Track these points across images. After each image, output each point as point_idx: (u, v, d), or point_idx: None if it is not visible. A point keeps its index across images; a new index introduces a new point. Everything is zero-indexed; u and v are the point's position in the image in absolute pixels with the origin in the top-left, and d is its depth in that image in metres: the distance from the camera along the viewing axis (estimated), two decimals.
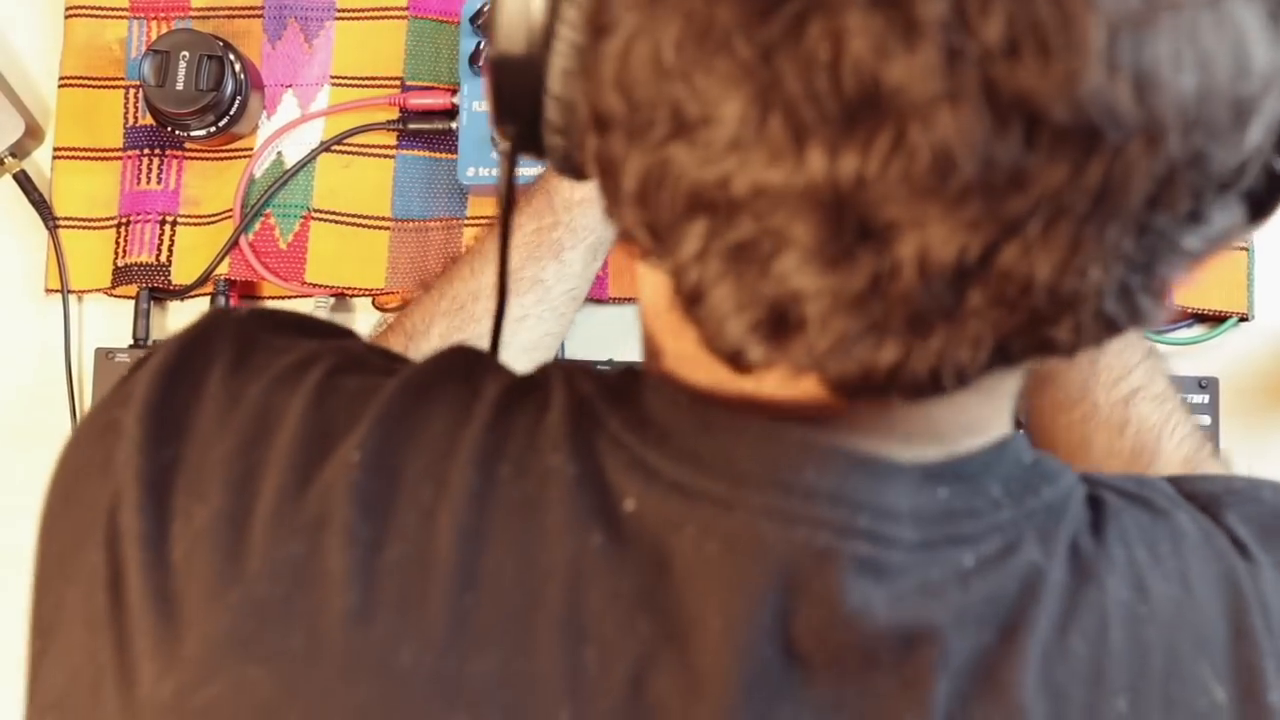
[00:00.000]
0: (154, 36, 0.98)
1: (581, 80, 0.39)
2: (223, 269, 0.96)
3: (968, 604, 0.43)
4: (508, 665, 0.42)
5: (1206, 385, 0.94)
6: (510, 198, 0.51)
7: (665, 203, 0.38)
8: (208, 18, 0.99)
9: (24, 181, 0.97)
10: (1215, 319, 0.97)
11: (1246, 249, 0.97)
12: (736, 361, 0.41)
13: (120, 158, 0.98)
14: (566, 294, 0.82)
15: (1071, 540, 0.45)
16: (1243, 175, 0.38)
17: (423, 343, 0.78)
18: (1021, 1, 0.33)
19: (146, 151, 0.98)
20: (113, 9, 0.99)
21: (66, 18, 0.99)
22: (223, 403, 0.48)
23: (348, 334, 0.58)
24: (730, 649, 0.41)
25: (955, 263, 0.36)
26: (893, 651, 0.42)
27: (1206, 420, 0.93)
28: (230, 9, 0.99)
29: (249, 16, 0.99)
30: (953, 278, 0.36)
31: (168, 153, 0.98)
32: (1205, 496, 0.51)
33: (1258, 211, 0.41)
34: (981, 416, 0.45)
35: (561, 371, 0.48)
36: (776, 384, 0.43)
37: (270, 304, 0.98)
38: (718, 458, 0.43)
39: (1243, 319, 0.97)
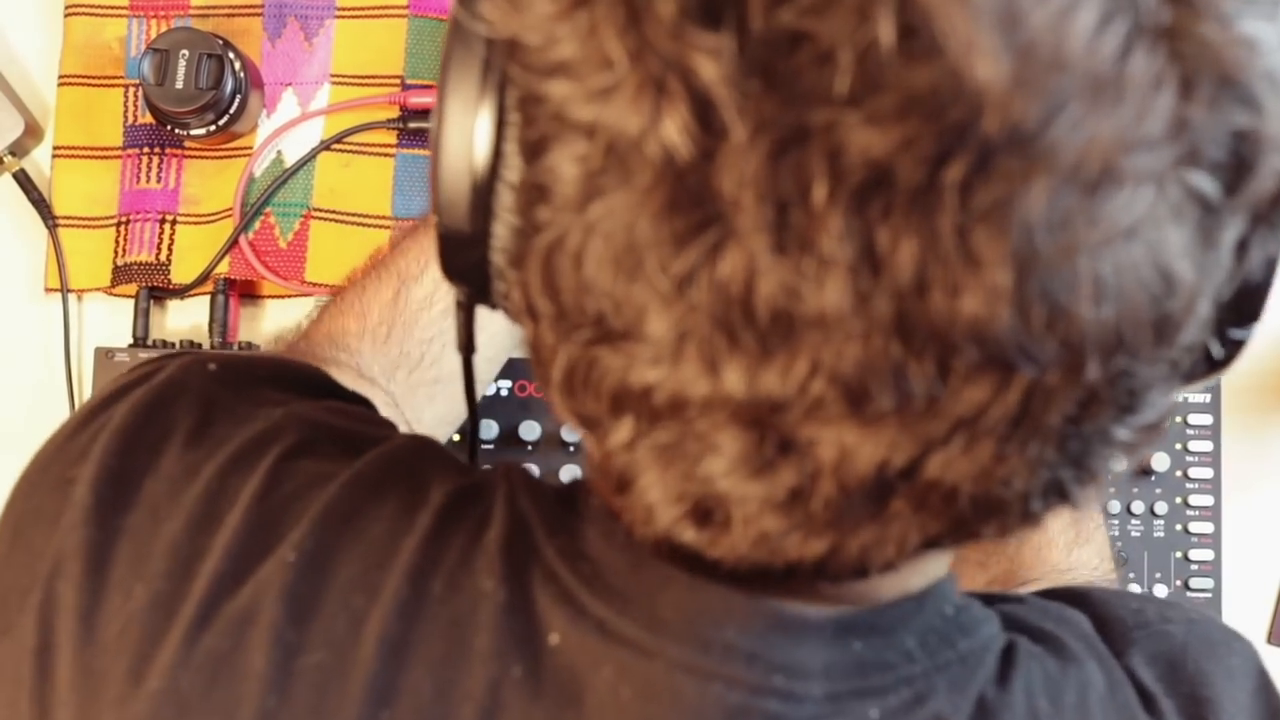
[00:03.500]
0: (153, 35, 0.98)
1: (514, 269, 0.39)
2: (222, 268, 0.96)
3: None
4: None
5: (1208, 385, 0.94)
6: (469, 345, 0.51)
7: (591, 397, 0.38)
8: (207, 16, 0.98)
9: (23, 180, 0.97)
10: None
11: None
12: (665, 542, 0.42)
13: (120, 156, 0.98)
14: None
15: (979, 693, 0.45)
16: (1174, 370, 0.37)
17: (415, 288, 0.77)
18: (928, 242, 0.32)
19: (146, 150, 0.98)
20: (112, 7, 0.99)
21: (66, 16, 0.99)
22: (177, 477, 0.48)
23: (321, 385, 0.57)
24: None
25: (875, 475, 0.36)
26: None
27: (1208, 420, 0.93)
28: (230, 7, 0.99)
29: (248, 15, 0.98)
30: (874, 488, 0.36)
31: (167, 151, 0.98)
32: (1117, 626, 0.51)
33: (1188, 380, 0.41)
34: (906, 572, 0.44)
35: (506, 484, 0.48)
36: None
37: (272, 302, 0.98)
38: (643, 602, 0.43)
39: None
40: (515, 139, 0.37)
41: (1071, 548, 0.74)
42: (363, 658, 0.44)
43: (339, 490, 0.47)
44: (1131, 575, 0.92)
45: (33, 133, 0.98)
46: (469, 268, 0.40)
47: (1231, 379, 0.95)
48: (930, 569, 0.46)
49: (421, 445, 0.52)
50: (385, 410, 0.64)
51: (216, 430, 0.50)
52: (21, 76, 0.99)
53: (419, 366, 0.76)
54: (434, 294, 0.77)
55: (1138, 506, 0.93)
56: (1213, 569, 0.93)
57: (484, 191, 0.38)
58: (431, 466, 0.50)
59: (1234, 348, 0.41)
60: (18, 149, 0.96)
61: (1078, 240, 0.32)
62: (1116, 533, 0.93)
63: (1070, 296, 0.32)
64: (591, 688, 0.43)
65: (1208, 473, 0.93)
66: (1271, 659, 0.96)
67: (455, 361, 0.74)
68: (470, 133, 0.38)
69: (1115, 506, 0.93)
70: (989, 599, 0.49)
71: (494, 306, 0.43)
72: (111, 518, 0.47)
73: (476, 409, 0.55)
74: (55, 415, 0.95)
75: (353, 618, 0.44)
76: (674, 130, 0.32)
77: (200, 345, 0.95)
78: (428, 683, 0.43)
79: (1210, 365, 0.41)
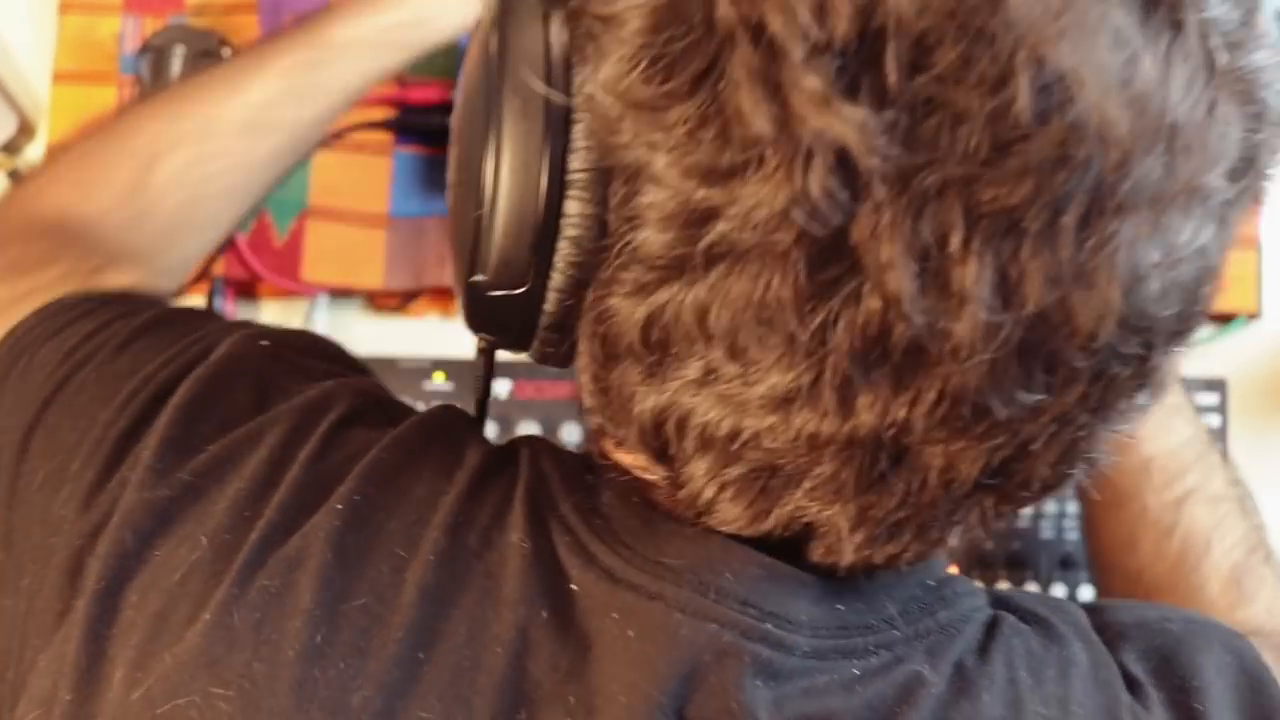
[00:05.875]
0: (148, 32, 0.96)
1: (588, 315, 0.42)
2: (218, 267, 0.95)
3: (849, 708, 0.45)
4: (448, 717, 0.45)
5: (1215, 386, 0.93)
6: (486, 393, 0.55)
7: (678, 438, 0.42)
8: (203, 12, 0.98)
9: (17, 179, 0.96)
10: (1223, 318, 0.96)
11: (1256, 247, 0.96)
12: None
13: None
14: (310, 143, 0.78)
15: (958, 659, 0.48)
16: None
17: (158, 169, 0.71)
18: (1051, 273, 0.36)
19: None
20: (107, 4, 0.98)
21: (60, 13, 0.98)
22: (240, 445, 0.51)
23: (359, 369, 0.60)
24: None
25: (976, 478, 0.40)
26: None
27: (1216, 421, 0.92)
28: (225, 3, 0.98)
29: (244, 10, 0.97)
30: (970, 488, 0.41)
31: None
32: (1114, 628, 0.53)
33: None
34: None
35: (530, 449, 0.51)
36: None
37: (268, 300, 0.98)
38: (650, 552, 0.46)
39: (1252, 318, 0.96)
40: (615, 207, 0.39)
41: (1235, 608, 0.72)
42: (404, 604, 0.46)
43: (382, 452, 0.50)
44: None
45: (26, 130, 0.97)
46: (513, 322, 0.44)
47: (1240, 379, 0.94)
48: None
49: (456, 414, 0.55)
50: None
51: (274, 402, 0.53)
52: (15, 74, 0.98)
53: (157, 258, 0.72)
54: (181, 175, 0.72)
55: None
56: None
57: (548, 250, 0.41)
58: (465, 433, 0.53)
59: None
60: (11, 147, 0.96)
61: (1168, 258, 0.37)
62: None
63: (1156, 304, 0.38)
64: (602, 631, 0.46)
65: None
66: None
67: (199, 214, 0.74)
68: (539, 194, 0.40)
69: None
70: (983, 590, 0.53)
71: (524, 351, 0.46)
72: (177, 479, 0.50)
73: (486, 411, 0.58)
74: None
75: (395, 567, 0.47)
76: (819, 194, 0.35)
77: None
78: (462, 627, 0.46)
79: None
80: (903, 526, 0.42)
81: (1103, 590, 0.79)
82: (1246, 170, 0.39)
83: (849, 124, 0.34)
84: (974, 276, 0.35)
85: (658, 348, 0.40)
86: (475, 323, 0.46)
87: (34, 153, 0.98)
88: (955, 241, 0.35)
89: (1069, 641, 0.50)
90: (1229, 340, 0.96)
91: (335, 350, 0.61)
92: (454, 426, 0.54)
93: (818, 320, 0.37)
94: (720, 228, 0.36)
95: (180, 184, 0.72)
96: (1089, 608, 0.55)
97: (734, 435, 0.40)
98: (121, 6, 0.98)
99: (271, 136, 0.74)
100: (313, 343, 0.60)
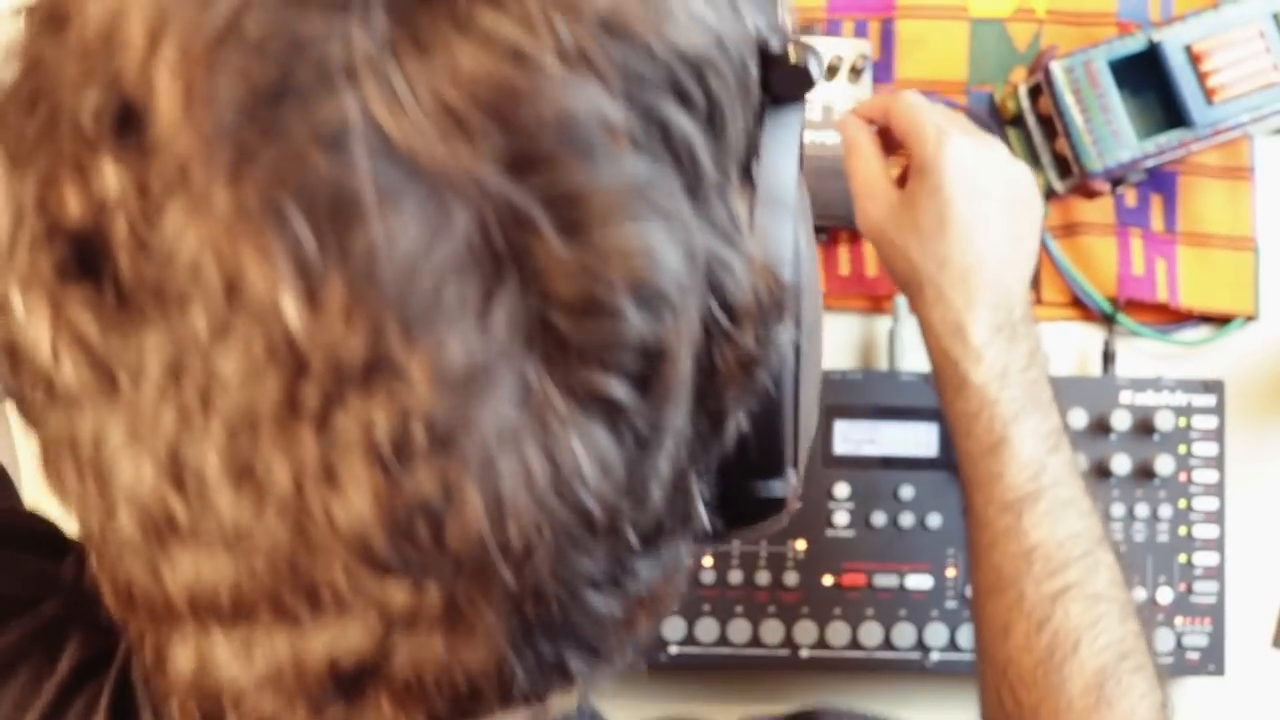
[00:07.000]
0: None
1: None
2: None
3: None
4: None
5: (1212, 388, 0.93)
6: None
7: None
8: None
9: None
10: (1221, 320, 0.97)
11: (1253, 248, 0.96)
12: None
13: None
14: None
15: None
16: (663, 540, 0.38)
17: None
18: (298, 467, 0.33)
19: None
20: None
21: None
22: None
23: (19, 535, 0.57)
24: None
25: (331, 669, 0.37)
26: None
27: (1213, 423, 0.93)
28: None
29: None
30: (340, 680, 0.37)
31: None
32: None
33: (717, 537, 0.41)
34: None
35: (125, 651, 0.48)
36: None
37: None
38: None
39: (1249, 319, 0.96)
40: None
41: (1092, 712, 0.71)
42: None
43: None
44: (1135, 580, 0.92)
45: None
46: None
47: (1237, 381, 0.94)
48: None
49: (69, 612, 0.51)
50: None
51: None
52: None
53: None
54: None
55: (1141, 510, 0.92)
56: (1217, 573, 0.92)
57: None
58: (71, 633, 0.50)
59: (773, 505, 0.43)
60: None
61: (445, 463, 0.33)
62: (1120, 536, 0.92)
63: (454, 513, 0.33)
64: None
65: (1212, 476, 0.92)
66: (1277, 664, 0.95)
67: None
68: None
69: (1118, 510, 0.92)
70: None
71: None
72: None
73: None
74: None
75: None
76: (71, 371, 0.34)
77: None
78: None
79: (747, 518, 0.43)
80: (303, 707, 0.39)
81: (980, 680, 0.76)
82: (646, 374, 0.35)
83: (78, 304, 0.33)
84: (219, 465, 0.33)
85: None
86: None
87: None
88: (198, 423, 0.33)
89: None
90: (1226, 342, 0.96)
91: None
92: (64, 625, 0.51)
93: (113, 480, 0.35)
94: (34, 382, 0.36)
95: None
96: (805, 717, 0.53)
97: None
98: None
99: None
100: None
